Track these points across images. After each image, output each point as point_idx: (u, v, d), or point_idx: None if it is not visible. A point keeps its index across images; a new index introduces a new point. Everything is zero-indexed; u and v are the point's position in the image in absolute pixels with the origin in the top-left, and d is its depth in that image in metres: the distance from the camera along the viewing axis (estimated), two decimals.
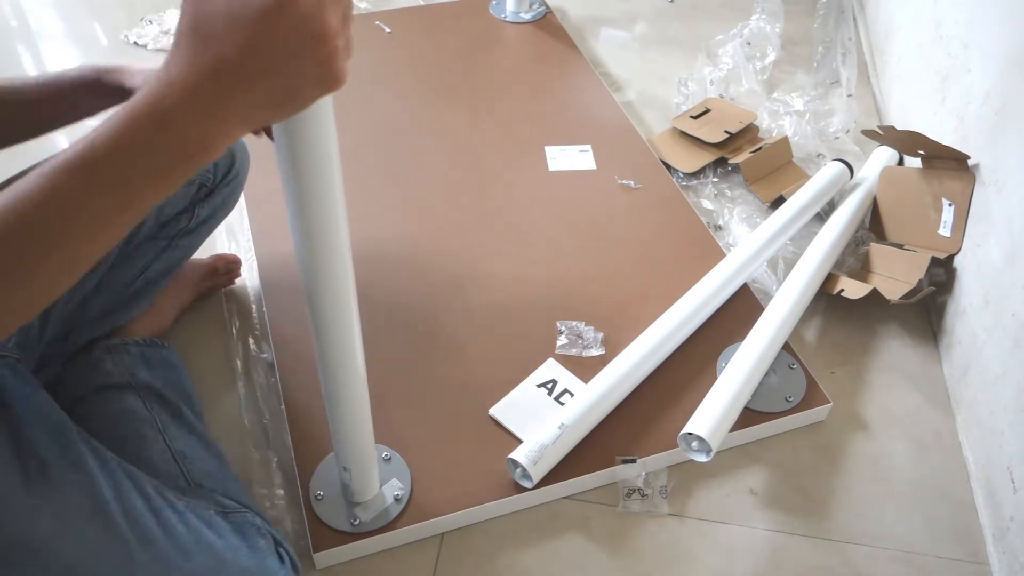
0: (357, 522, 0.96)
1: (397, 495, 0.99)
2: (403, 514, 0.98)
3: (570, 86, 1.68)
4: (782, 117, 1.63)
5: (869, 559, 1.00)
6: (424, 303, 1.23)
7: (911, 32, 1.59)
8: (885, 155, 1.45)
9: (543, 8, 1.88)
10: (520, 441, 1.04)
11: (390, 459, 1.03)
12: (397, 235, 1.34)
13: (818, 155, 1.56)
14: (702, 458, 1.02)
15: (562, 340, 1.18)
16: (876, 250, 1.32)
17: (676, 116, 1.61)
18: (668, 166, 1.51)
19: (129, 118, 0.49)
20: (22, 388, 0.77)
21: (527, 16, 1.86)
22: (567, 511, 1.03)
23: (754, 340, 1.12)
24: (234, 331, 1.22)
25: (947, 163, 1.28)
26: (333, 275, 0.71)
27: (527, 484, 1.01)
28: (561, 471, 1.02)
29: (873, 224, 1.38)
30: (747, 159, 1.47)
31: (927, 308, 1.30)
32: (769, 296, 1.24)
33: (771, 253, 1.28)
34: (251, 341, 1.20)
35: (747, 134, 1.56)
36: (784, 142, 1.52)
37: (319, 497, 0.98)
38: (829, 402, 1.12)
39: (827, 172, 1.40)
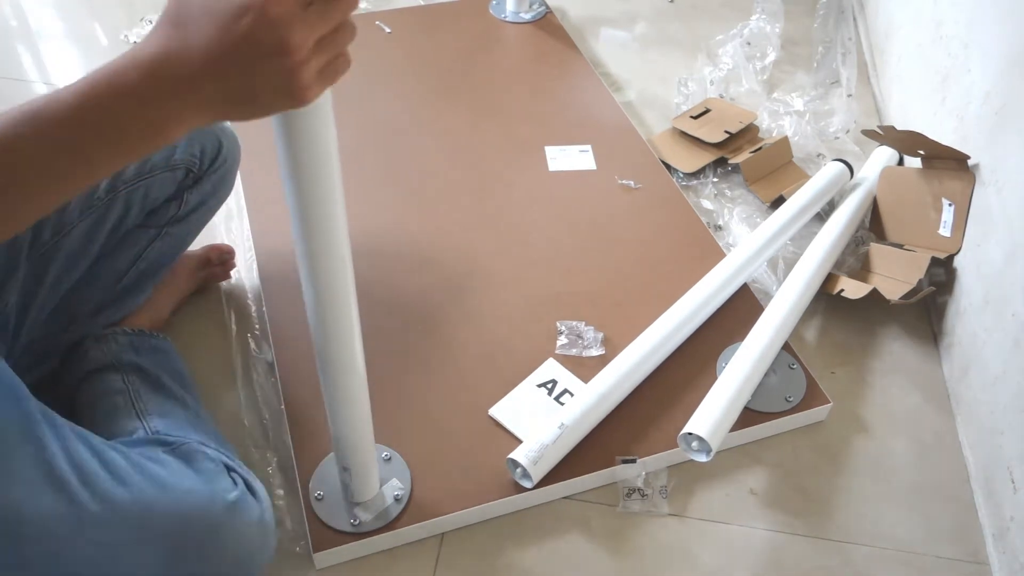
0: (357, 522, 0.96)
1: (397, 495, 0.99)
2: (403, 514, 0.98)
3: (570, 86, 1.68)
4: (782, 117, 1.63)
5: (869, 559, 1.00)
6: (424, 303, 1.23)
7: (911, 32, 1.59)
8: (885, 155, 1.45)
9: (543, 8, 1.88)
10: (520, 441, 1.04)
11: (390, 459, 1.03)
12: (397, 235, 1.34)
13: (818, 155, 1.56)
14: (702, 458, 1.02)
15: (562, 340, 1.18)
16: (876, 250, 1.32)
17: (676, 116, 1.61)
18: (668, 166, 1.51)
19: (89, 87, 0.51)
20: None
21: (527, 16, 1.85)
22: (567, 511, 1.03)
23: (754, 340, 1.12)
24: (234, 331, 1.22)
25: (947, 163, 1.28)
26: (333, 274, 0.71)
27: (527, 484, 1.01)
28: (561, 471, 1.02)
29: (873, 224, 1.38)
30: (747, 159, 1.47)
31: (927, 308, 1.30)
32: (769, 296, 1.24)
33: (771, 253, 1.28)
34: (251, 341, 1.20)
35: (747, 134, 1.56)
36: (784, 142, 1.52)
37: (319, 497, 0.98)
38: (829, 402, 1.12)
39: (827, 172, 1.40)
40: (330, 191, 0.65)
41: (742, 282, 1.25)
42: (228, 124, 1.07)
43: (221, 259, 1.26)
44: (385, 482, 0.99)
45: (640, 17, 1.96)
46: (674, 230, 1.37)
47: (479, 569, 0.98)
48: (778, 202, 1.43)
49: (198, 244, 1.19)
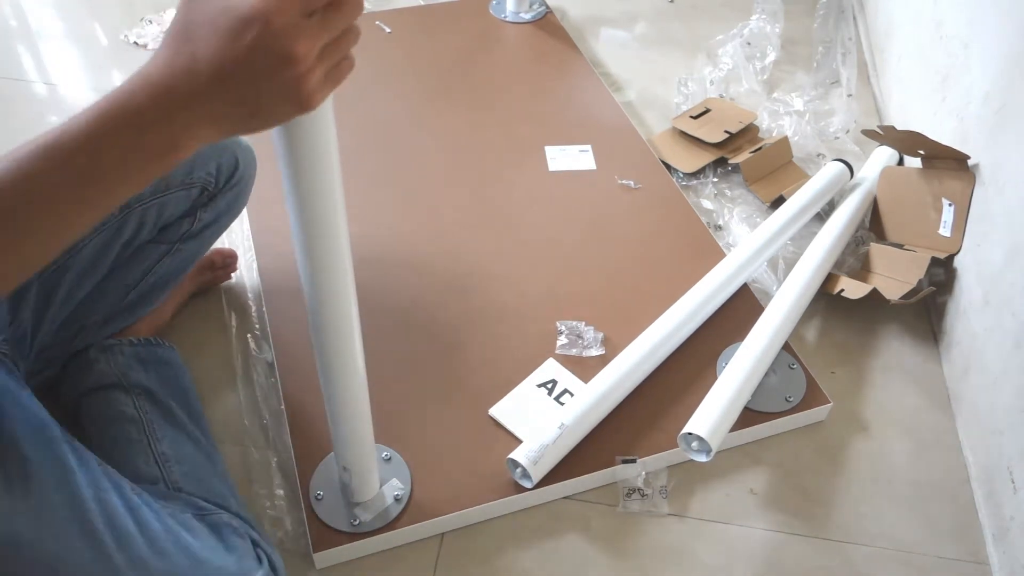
0: (357, 522, 0.96)
1: (397, 495, 0.99)
2: (403, 514, 0.98)
3: (570, 86, 1.68)
4: (782, 117, 1.63)
5: (869, 559, 1.00)
6: (424, 303, 1.23)
7: (911, 32, 1.59)
8: (885, 155, 1.45)
9: (543, 8, 1.88)
10: (520, 441, 1.04)
11: (390, 459, 1.03)
12: (397, 235, 1.34)
13: (818, 155, 1.56)
14: (702, 458, 1.02)
15: (562, 340, 1.18)
16: (876, 250, 1.32)
17: (676, 116, 1.61)
18: (668, 166, 1.51)
19: (102, 111, 0.51)
20: (7, 384, 0.77)
21: (527, 16, 1.86)
22: (567, 511, 1.03)
23: (754, 340, 1.12)
24: (234, 331, 1.22)
25: (947, 163, 1.28)
26: (333, 275, 0.71)
27: (527, 484, 1.01)
28: (561, 471, 1.02)
29: (873, 224, 1.38)
30: (747, 159, 1.47)
31: (927, 308, 1.30)
32: (769, 296, 1.24)
33: (771, 253, 1.28)
34: (251, 341, 1.20)
35: (747, 134, 1.56)
36: (784, 142, 1.52)
37: (319, 497, 0.98)
38: (829, 402, 1.12)
39: (827, 172, 1.40)
40: (330, 191, 0.65)
41: (742, 282, 1.25)
42: (245, 140, 1.07)
43: (224, 263, 1.26)
44: (385, 482, 0.99)
45: (640, 17, 1.96)
46: (674, 230, 1.37)
47: (479, 569, 0.98)
48: (778, 202, 1.43)
49: None
